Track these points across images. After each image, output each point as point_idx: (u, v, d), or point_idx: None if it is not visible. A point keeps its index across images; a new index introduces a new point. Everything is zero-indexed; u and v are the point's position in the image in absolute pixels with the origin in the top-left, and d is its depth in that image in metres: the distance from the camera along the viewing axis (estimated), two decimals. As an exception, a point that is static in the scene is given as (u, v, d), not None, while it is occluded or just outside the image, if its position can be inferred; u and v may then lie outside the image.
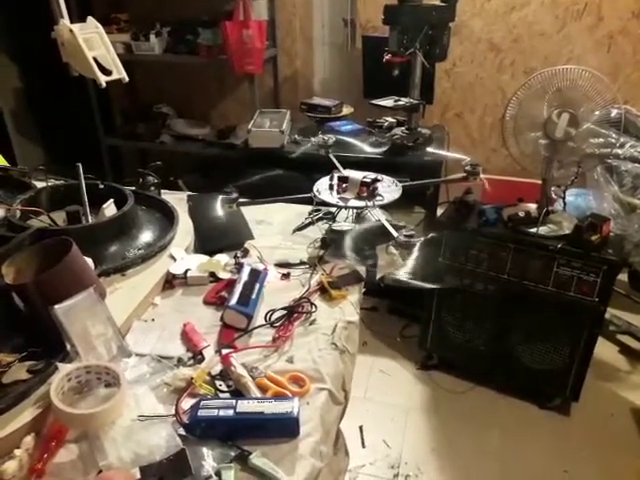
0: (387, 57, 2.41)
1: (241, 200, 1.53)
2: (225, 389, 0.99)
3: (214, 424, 0.89)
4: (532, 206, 2.03)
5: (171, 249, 1.36)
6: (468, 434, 2.10)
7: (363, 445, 2.06)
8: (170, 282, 1.30)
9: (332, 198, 1.43)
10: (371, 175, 1.46)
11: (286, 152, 2.59)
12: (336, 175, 1.46)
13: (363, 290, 1.37)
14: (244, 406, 0.91)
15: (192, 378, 0.98)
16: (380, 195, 1.42)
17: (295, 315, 1.18)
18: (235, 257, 1.37)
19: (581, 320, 1.96)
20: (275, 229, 1.56)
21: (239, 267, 1.31)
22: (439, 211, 2.57)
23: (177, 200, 1.59)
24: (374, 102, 2.54)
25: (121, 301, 1.16)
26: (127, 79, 1.35)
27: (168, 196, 1.61)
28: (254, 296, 1.19)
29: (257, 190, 1.56)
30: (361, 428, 2.11)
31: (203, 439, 0.87)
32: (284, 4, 3.09)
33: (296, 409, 0.90)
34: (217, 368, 1.03)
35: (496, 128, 3.00)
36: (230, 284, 1.25)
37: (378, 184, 1.44)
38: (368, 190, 1.42)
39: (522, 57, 2.96)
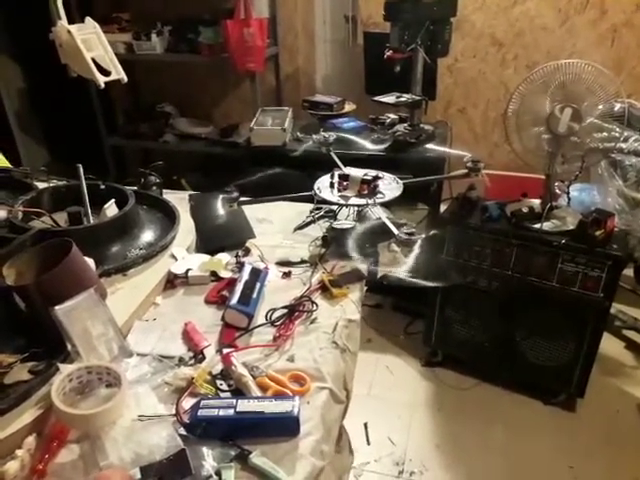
0: (388, 53, 2.39)
1: (242, 199, 1.53)
2: (226, 388, 0.99)
3: (214, 423, 0.89)
4: (536, 202, 2.02)
5: (172, 249, 1.36)
6: (473, 430, 2.09)
7: (368, 442, 2.06)
8: (171, 282, 1.30)
9: (333, 196, 1.42)
10: (372, 173, 1.45)
11: (288, 150, 2.59)
12: (337, 173, 1.46)
13: (366, 288, 1.37)
14: (244, 405, 0.91)
15: (193, 378, 0.98)
16: (381, 193, 1.41)
17: (296, 314, 1.18)
18: (236, 256, 1.37)
19: (586, 316, 1.95)
20: (276, 227, 1.56)
21: (240, 266, 1.31)
22: (442, 207, 2.56)
23: (178, 199, 1.59)
24: (376, 99, 2.53)
25: (122, 301, 1.16)
26: (126, 79, 1.35)
27: (170, 195, 1.61)
28: (255, 295, 1.19)
29: (259, 188, 1.56)
30: (366, 425, 2.11)
31: (203, 439, 0.87)
32: (285, 1, 3.08)
33: (296, 408, 0.90)
34: (218, 367, 1.03)
35: (499, 123, 2.96)
36: (231, 283, 1.25)
37: (379, 182, 1.43)
38: (369, 188, 1.41)
39: (525, 51, 2.94)
